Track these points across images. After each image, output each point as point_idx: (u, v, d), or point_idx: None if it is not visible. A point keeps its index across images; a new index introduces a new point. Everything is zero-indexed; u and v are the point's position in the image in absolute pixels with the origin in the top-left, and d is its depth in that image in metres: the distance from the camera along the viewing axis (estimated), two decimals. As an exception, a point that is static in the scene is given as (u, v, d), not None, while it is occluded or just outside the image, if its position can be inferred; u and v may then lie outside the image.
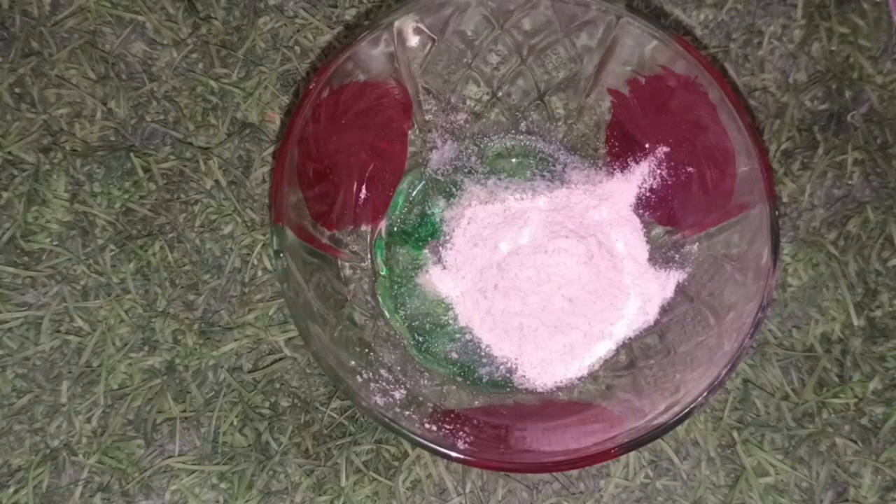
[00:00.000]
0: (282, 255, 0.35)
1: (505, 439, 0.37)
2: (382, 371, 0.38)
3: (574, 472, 0.44)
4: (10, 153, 0.47)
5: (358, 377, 0.36)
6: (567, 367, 0.41)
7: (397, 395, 0.37)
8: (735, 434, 0.44)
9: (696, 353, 0.37)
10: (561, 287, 0.41)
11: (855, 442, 0.44)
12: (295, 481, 0.43)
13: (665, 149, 0.41)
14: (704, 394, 0.34)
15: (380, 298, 0.43)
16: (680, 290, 0.41)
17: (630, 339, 0.41)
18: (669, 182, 0.42)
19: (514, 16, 0.39)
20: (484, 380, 0.42)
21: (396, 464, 0.43)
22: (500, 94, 0.44)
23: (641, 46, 0.38)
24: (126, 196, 0.46)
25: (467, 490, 0.43)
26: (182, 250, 0.46)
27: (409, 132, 0.44)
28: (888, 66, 0.48)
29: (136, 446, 0.44)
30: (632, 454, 0.44)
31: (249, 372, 0.45)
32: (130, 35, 0.48)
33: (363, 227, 0.43)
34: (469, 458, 0.34)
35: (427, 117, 0.43)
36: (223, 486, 0.43)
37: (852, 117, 0.47)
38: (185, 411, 0.44)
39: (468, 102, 0.44)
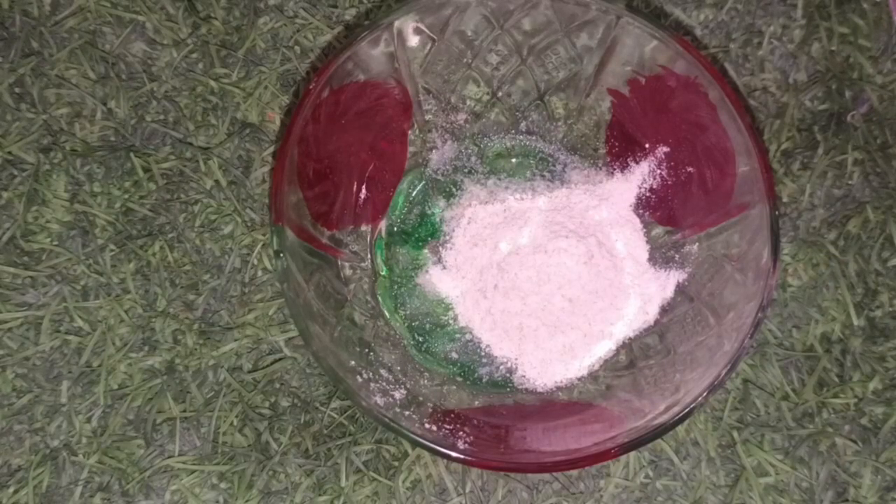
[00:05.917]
0: (282, 255, 0.35)
1: (505, 439, 0.37)
2: (382, 371, 0.38)
3: (574, 472, 0.44)
4: (10, 153, 0.47)
5: (358, 377, 0.36)
6: (567, 367, 0.41)
7: (397, 395, 0.37)
8: (735, 434, 0.44)
9: (696, 353, 0.37)
10: (561, 287, 0.41)
11: (855, 442, 0.44)
12: (295, 481, 0.43)
13: (665, 149, 0.41)
14: (704, 394, 0.34)
15: (380, 298, 0.43)
16: (680, 290, 0.41)
17: (630, 339, 0.41)
18: (669, 182, 0.42)
19: (514, 16, 0.39)
20: (484, 380, 0.42)
21: (396, 464, 0.43)
22: (500, 94, 0.44)
23: (641, 46, 0.38)
24: (126, 196, 0.46)
25: (467, 490, 0.43)
26: (182, 250, 0.46)
27: (409, 132, 0.44)
28: (888, 66, 0.48)
29: (136, 446, 0.44)
30: (632, 454, 0.44)
31: (249, 372, 0.45)
32: (130, 35, 0.48)
33: (363, 227, 0.43)
34: (469, 458, 0.34)
35: (427, 117, 0.43)
36: (223, 486, 0.43)
37: (852, 117, 0.47)
38: (185, 411, 0.44)
39: (468, 102, 0.44)
